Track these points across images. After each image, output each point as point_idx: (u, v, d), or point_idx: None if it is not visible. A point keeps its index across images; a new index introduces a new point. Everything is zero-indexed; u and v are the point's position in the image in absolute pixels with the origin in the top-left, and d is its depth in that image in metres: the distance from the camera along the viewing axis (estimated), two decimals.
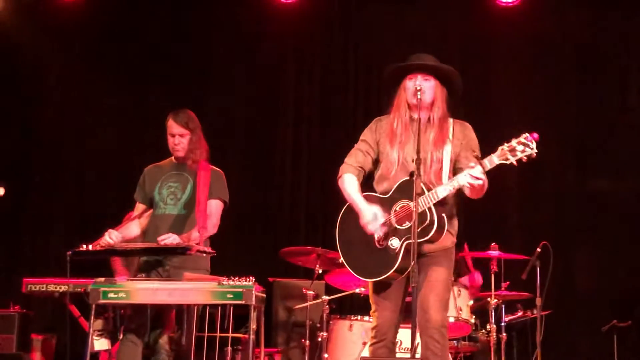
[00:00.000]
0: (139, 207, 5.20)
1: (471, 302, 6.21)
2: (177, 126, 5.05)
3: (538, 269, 6.00)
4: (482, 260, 6.44)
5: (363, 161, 4.48)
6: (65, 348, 5.91)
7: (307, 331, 6.41)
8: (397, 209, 4.30)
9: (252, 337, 4.63)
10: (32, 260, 8.05)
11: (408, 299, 4.59)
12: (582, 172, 7.83)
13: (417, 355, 4.29)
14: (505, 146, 4.10)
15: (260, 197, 8.22)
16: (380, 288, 4.40)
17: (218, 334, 5.94)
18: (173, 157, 5.18)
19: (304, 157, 8.29)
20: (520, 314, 6.57)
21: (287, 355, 7.20)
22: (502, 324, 6.30)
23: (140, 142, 7.85)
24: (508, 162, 4.08)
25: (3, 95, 8.29)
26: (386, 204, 4.33)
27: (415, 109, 4.38)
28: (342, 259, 4.47)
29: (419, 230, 4.11)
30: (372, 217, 4.28)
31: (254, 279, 4.56)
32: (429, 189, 4.22)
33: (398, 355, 5.42)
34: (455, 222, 4.46)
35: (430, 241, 4.24)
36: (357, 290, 6.16)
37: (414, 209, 4.09)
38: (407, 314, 5.60)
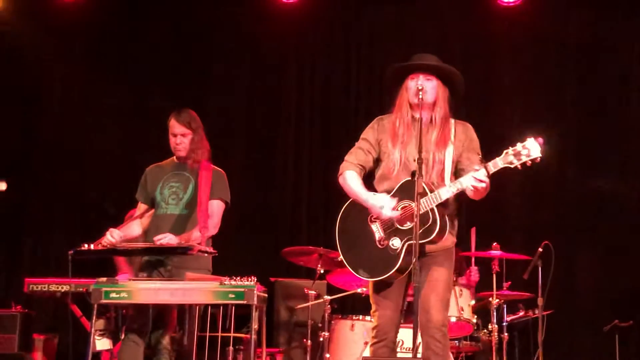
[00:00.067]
0: (141, 207, 5.20)
1: (473, 302, 6.21)
2: (179, 126, 5.05)
3: (540, 268, 6.00)
4: (484, 260, 6.43)
5: (364, 160, 4.48)
6: (67, 348, 5.93)
7: (309, 331, 6.41)
8: (399, 209, 4.30)
9: (253, 337, 4.63)
10: (34, 260, 8.05)
11: (409, 299, 4.60)
12: (584, 171, 7.82)
13: (419, 355, 4.29)
14: (510, 150, 4.12)
15: (262, 197, 8.22)
16: (381, 288, 4.40)
17: (220, 334, 5.96)
18: (174, 157, 5.18)
19: (306, 157, 8.29)
20: (522, 313, 6.56)
21: (289, 355, 7.20)
22: (504, 323, 6.30)
23: (141, 142, 7.85)
24: (512, 166, 4.11)
25: (4, 95, 8.29)
26: None
27: (417, 108, 4.38)
28: (342, 258, 4.47)
29: (421, 231, 4.11)
30: (383, 202, 4.27)
31: (255, 279, 4.56)
32: (431, 190, 4.22)
33: (399, 355, 5.42)
34: (456, 222, 4.47)
35: (432, 242, 4.25)
36: (359, 290, 6.17)
37: (416, 209, 4.09)
38: (408, 313, 5.64)
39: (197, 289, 4.57)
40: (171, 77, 8.21)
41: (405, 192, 4.28)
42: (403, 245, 4.24)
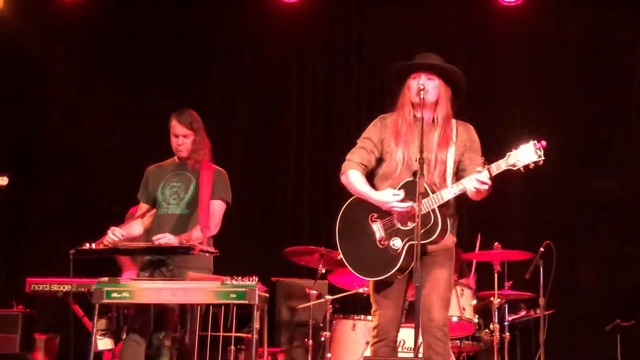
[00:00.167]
0: (143, 206, 5.20)
1: (474, 302, 6.21)
2: (181, 127, 5.05)
3: (541, 268, 6.00)
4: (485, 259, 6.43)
5: (367, 159, 4.47)
6: (69, 348, 5.92)
7: (310, 331, 6.41)
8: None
9: (255, 336, 4.64)
10: (35, 260, 8.05)
11: (411, 299, 4.60)
12: (585, 171, 7.82)
13: (420, 355, 4.29)
14: (513, 152, 4.13)
15: (263, 196, 8.22)
16: (381, 287, 4.40)
17: (221, 334, 5.96)
18: (176, 157, 5.18)
19: (307, 157, 8.29)
20: (523, 313, 6.56)
21: (290, 355, 7.20)
22: (505, 323, 6.30)
23: (143, 142, 7.85)
24: (515, 169, 4.13)
25: (5, 95, 8.29)
26: None
27: (419, 108, 4.37)
28: (342, 257, 4.46)
29: (422, 231, 4.12)
30: (390, 197, 4.27)
31: (257, 279, 4.57)
32: (433, 191, 4.23)
33: (401, 354, 5.42)
34: (456, 222, 4.46)
35: (433, 242, 4.25)
36: (360, 290, 6.16)
37: (417, 209, 4.09)
38: (409, 313, 5.64)
39: (198, 289, 4.57)
40: (172, 77, 8.21)
41: (407, 192, 4.28)
42: (404, 246, 4.24)
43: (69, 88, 8.44)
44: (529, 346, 6.82)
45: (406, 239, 4.24)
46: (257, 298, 4.52)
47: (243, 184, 7.07)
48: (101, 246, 4.83)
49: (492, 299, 6.20)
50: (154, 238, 4.80)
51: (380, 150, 4.46)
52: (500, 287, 6.27)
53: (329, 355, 6.16)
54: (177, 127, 5.06)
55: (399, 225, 4.29)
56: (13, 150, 8.21)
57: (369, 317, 5.80)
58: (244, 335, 6.48)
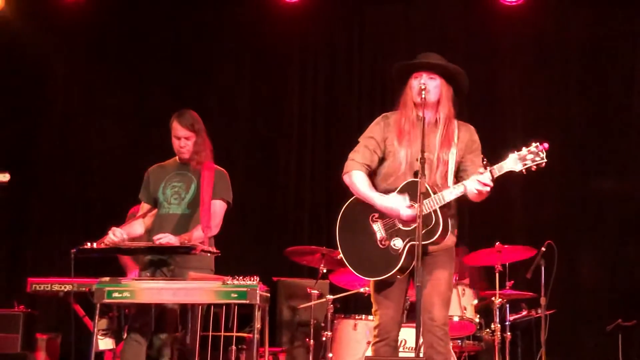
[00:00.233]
0: (144, 206, 5.21)
1: (475, 302, 6.21)
2: (183, 129, 5.04)
3: (543, 268, 6.00)
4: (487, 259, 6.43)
5: (370, 159, 4.45)
6: (70, 347, 5.93)
7: (312, 330, 6.42)
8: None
9: (256, 336, 4.64)
10: (36, 260, 8.05)
11: (412, 299, 4.59)
12: (587, 171, 7.82)
13: (421, 355, 4.30)
14: (515, 154, 4.14)
15: (265, 196, 8.22)
16: (382, 287, 4.39)
17: (222, 333, 5.96)
18: (177, 157, 5.18)
19: (308, 157, 8.29)
20: (524, 313, 6.57)
21: (292, 355, 7.20)
22: (507, 323, 6.30)
23: (144, 142, 7.86)
24: (517, 171, 4.13)
25: (6, 95, 8.29)
26: None
27: (420, 107, 4.37)
28: (342, 256, 4.46)
29: (424, 232, 4.12)
30: (398, 204, 4.25)
31: (258, 279, 4.57)
32: (435, 192, 4.22)
33: (402, 354, 5.42)
34: (456, 222, 4.46)
35: (434, 243, 4.25)
36: (362, 290, 6.16)
37: (418, 210, 4.08)
38: (410, 313, 5.64)
39: (199, 289, 4.57)
40: (172, 77, 8.21)
41: (409, 192, 4.27)
42: (405, 246, 4.24)
43: (70, 88, 8.44)
44: (530, 346, 6.82)
45: (407, 239, 4.24)
46: (258, 298, 4.52)
47: (244, 184, 7.07)
48: (102, 246, 4.83)
49: (493, 298, 6.19)
50: (155, 238, 4.80)
51: (383, 149, 4.45)
52: (502, 286, 6.27)
53: (330, 355, 6.16)
54: (178, 129, 5.05)
55: (399, 226, 4.29)
56: (14, 150, 8.22)
57: (370, 317, 5.80)
58: (245, 335, 6.48)
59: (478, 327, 6.25)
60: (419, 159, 4.18)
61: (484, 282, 6.89)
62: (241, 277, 4.54)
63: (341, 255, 4.46)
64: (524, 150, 4.14)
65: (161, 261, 4.94)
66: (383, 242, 4.31)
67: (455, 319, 5.99)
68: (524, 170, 4.14)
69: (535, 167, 4.12)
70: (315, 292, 6.47)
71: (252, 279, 4.54)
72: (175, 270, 4.91)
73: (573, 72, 8.00)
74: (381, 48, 8.27)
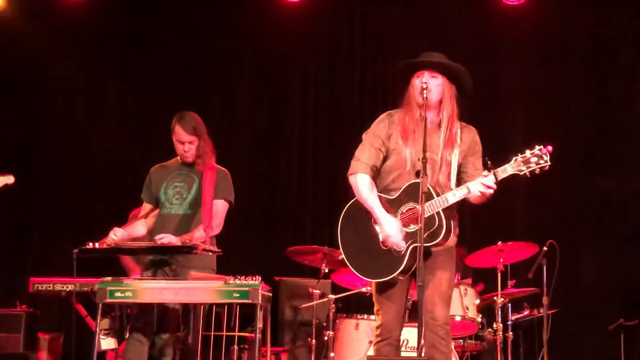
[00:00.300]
0: (146, 206, 5.21)
1: (478, 301, 6.21)
2: (186, 134, 5.03)
3: (545, 267, 5.99)
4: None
5: (375, 159, 4.42)
6: (72, 347, 5.93)
7: (314, 330, 6.41)
8: (404, 210, 4.30)
9: (258, 336, 4.64)
10: (39, 260, 8.06)
11: (414, 298, 4.58)
12: (589, 170, 7.81)
13: (423, 354, 4.29)
14: (519, 157, 4.14)
15: (266, 196, 8.22)
16: (384, 287, 4.39)
17: (224, 333, 5.96)
18: (179, 157, 5.18)
19: (310, 157, 8.29)
20: (526, 312, 6.56)
21: (294, 354, 7.20)
22: (509, 322, 6.29)
23: (145, 142, 7.86)
24: (521, 174, 4.12)
25: (8, 94, 8.30)
26: (393, 205, 4.32)
27: (423, 107, 4.36)
28: (344, 257, 4.45)
29: (427, 234, 4.12)
30: (393, 231, 4.25)
31: (260, 278, 4.57)
32: (437, 193, 4.22)
33: (404, 354, 5.42)
34: (457, 222, 4.45)
35: (437, 245, 4.25)
36: (364, 290, 6.16)
37: (420, 209, 4.08)
38: (411, 312, 5.64)
39: (201, 288, 4.57)
40: (174, 77, 8.21)
41: (411, 194, 4.26)
42: (408, 248, 4.24)
43: (71, 88, 8.44)
44: (532, 345, 6.82)
45: (410, 241, 4.23)
46: (260, 297, 4.52)
47: (246, 184, 7.07)
48: (104, 246, 4.84)
49: (495, 298, 6.19)
50: (156, 237, 4.81)
51: (387, 147, 4.44)
52: (504, 286, 6.27)
53: (332, 354, 6.16)
54: (182, 135, 5.04)
55: (402, 227, 4.28)
56: (16, 150, 8.22)
57: (372, 317, 5.83)
58: (247, 334, 6.49)
59: (480, 327, 6.25)
60: (420, 159, 4.17)
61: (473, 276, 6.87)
62: (243, 277, 4.54)
63: (343, 256, 4.46)
64: (528, 153, 4.13)
65: (163, 261, 4.95)
66: (385, 244, 4.31)
67: (458, 318, 5.99)
68: (527, 174, 4.13)
69: (539, 170, 4.12)
70: (317, 291, 6.47)
71: (254, 278, 4.54)
72: (177, 270, 4.91)
73: (574, 72, 7.99)
74: (382, 48, 8.27)
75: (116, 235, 4.86)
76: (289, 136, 8.35)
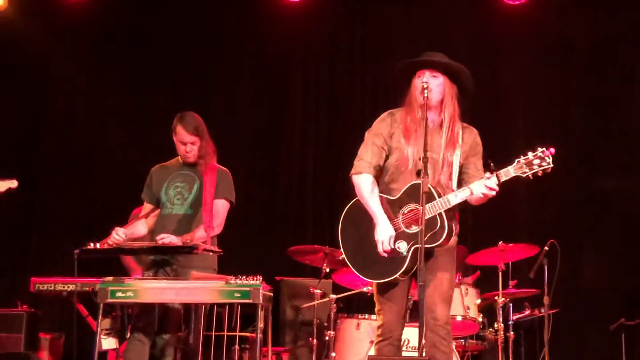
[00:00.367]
0: (147, 206, 5.21)
1: (479, 301, 6.21)
2: (188, 135, 5.02)
3: (546, 267, 5.99)
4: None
5: (378, 159, 4.42)
6: (73, 347, 5.93)
7: (315, 330, 6.41)
8: (406, 211, 4.29)
9: (259, 335, 4.64)
10: (40, 260, 8.06)
11: (415, 298, 4.58)
12: (590, 170, 7.81)
13: (424, 354, 4.29)
14: (522, 159, 4.13)
15: (267, 196, 8.22)
16: (385, 287, 4.39)
17: (225, 333, 5.96)
18: (179, 157, 5.18)
19: (311, 156, 8.29)
20: (527, 312, 6.55)
21: (295, 354, 7.20)
22: (510, 322, 6.29)
23: (146, 142, 7.86)
24: (524, 176, 4.12)
25: (9, 94, 8.30)
26: (395, 206, 4.33)
27: (424, 107, 4.36)
28: (344, 257, 4.45)
29: (428, 235, 4.12)
30: (387, 238, 4.25)
31: (261, 278, 4.57)
32: (439, 194, 4.22)
33: (405, 353, 5.42)
34: (457, 221, 4.45)
35: (439, 246, 4.24)
36: (365, 289, 6.15)
37: (422, 209, 4.08)
38: (413, 312, 5.64)
39: (202, 288, 4.58)
40: (175, 77, 8.21)
41: (413, 195, 4.25)
42: (409, 249, 4.23)
43: (72, 88, 8.44)
44: (533, 345, 6.82)
45: (411, 243, 4.22)
46: (261, 297, 4.52)
47: (247, 183, 7.07)
48: (105, 246, 4.84)
49: (496, 298, 6.19)
50: (157, 238, 4.81)
51: (389, 145, 4.43)
52: (505, 286, 6.26)
53: (333, 354, 6.16)
54: (184, 135, 5.03)
55: (403, 228, 4.28)
56: (17, 150, 8.22)
57: (373, 316, 5.82)
58: (248, 334, 6.48)
59: (481, 327, 6.25)
60: (421, 158, 4.17)
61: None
62: (244, 277, 4.54)
63: (344, 256, 4.45)
64: (530, 155, 4.13)
65: (164, 261, 4.95)
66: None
67: (459, 318, 5.99)
68: (530, 176, 4.13)
69: (541, 172, 4.11)
70: (318, 291, 6.47)
71: (255, 278, 4.54)
72: (178, 270, 4.91)
73: (575, 72, 7.99)
74: (383, 47, 8.26)
75: (118, 234, 4.86)
76: (289, 136, 8.34)
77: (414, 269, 4.20)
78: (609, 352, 7.17)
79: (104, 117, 8.32)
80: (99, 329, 4.78)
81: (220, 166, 5.17)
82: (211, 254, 4.90)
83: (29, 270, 7.33)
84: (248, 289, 4.51)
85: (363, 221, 4.38)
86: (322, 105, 8.35)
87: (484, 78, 7.69)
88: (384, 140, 4.42)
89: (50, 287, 5.45)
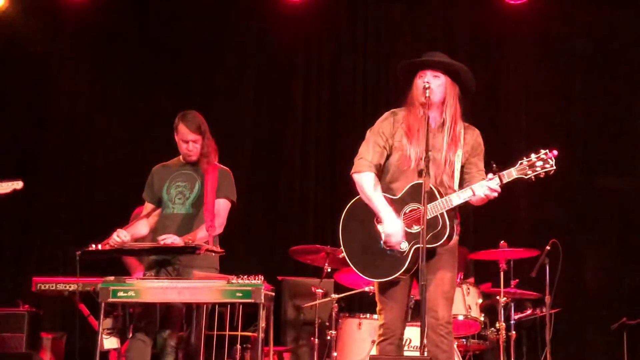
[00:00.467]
0: (148, 206, 5.20)
1: (480, 300, 6.20)
2: (190, 133, 5.02)
3: (547, 266, 5.99)
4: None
5: (380, 157, 4.42)
6: (75, 347, 5.93)
7: (316, 329, 6.41)
8: (407, 211, 4.30)
9: (261, 335, 4.63)
10: (42, 259, 8.06)
11: (417, 297, 4.58)
12: (591, 170, 7.81)
13: (426, 354, 4.29)
14: (525, 161, 4.14)
15: (269, 195, 8.23)
16: (387, 286, 4.39)
17: (227, 333, 5.95)
18: (181, 156, 5.18)
19: (312, 156, 8.29)
20: (529, 312, 6.56)
21: (296, 354, 7.20)
22: (512, 322, 6.29)
23: (148, 142, 7.87)
24: (526, 177, 4.12)
25: (11, 94, 8.30)
26: (396, 205, 4.33)
27: (425, 106, 4.35)
28: (345, 256, 4.45)
29: (430, 235, 4.12)
30: (398, 231, 4.24)
31: (263, 278, 4.56)
32: (441, 194, 4.21)
33: (406, 353, 5.42)
34: (458, 221, 4.45)
35: (441, 246, 4.25)
36: (366, 289, 6.16)
37: (423, 211, 4.08)
38: (414, 312, 5.63)
39: (204, 288, 4.57)
40: (177, 77, 8.22)
41: (414, 195, 4.26)
42: (411, 248, 4.23)
43: (74, 87, 8.44)
44: (535, 344, 6.82)
45: (413, 242, 4.22)
46: (263, 297, 4.52)
47: (248, 183, 7.08)
48: (107, 247, 4.84)
49: (498, 297, 6.19)
50: (159, 238, 4.81)
51: (391, 144, 4.43)
52: (507, 285, 6.26)
53: (335, 354, 6.16)
54: (186, 134, 5.03)
55: (405, 228, 4.28)
56: (18, 150, 8.23)
57: (375, 316, 5.80)
58: (249, 334, 6.48)
59: (483, 326, 6.25)
60: (423, 158, 4.17)
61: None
62: (246, 276, 4.54)
63: (345, 255, 4.45)
64: (533, 157, 4.13)
65: (165, 260, 4.95)
66: (387, 244, 4.30)
67: (460, 317, 5.98)
68: (532, 177, 4.13)
69: (544, 174, 4.12)
70: (320, 291, 6.47)
71: (257, 278, 4.54)
72: (179, 270, 4.91)
73: (577, 71, 7.99)
74: (385, 47, 8.27)
75: (120, 236, 4.85)
76: (291, 135, 8.34)
77: (415, 268, 4.21)
78: (611, 351, 7.17)
79: (105, 117, 8.32)
80: (100, 329, 4.78)
81: (222, 165, 5.17)
82: (213, 253, 4.90)
83: (30, 270, 7.33)
84: (250, 288, 4.51)
85: (364, 220, 4.38)
86: (324, 105, 8.35)
87: (485, 78, 7.71)
88: (385, 139, 4.42)
89: (52, 286, 5.45)
